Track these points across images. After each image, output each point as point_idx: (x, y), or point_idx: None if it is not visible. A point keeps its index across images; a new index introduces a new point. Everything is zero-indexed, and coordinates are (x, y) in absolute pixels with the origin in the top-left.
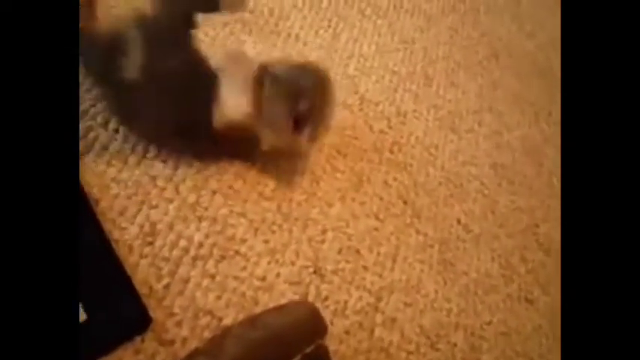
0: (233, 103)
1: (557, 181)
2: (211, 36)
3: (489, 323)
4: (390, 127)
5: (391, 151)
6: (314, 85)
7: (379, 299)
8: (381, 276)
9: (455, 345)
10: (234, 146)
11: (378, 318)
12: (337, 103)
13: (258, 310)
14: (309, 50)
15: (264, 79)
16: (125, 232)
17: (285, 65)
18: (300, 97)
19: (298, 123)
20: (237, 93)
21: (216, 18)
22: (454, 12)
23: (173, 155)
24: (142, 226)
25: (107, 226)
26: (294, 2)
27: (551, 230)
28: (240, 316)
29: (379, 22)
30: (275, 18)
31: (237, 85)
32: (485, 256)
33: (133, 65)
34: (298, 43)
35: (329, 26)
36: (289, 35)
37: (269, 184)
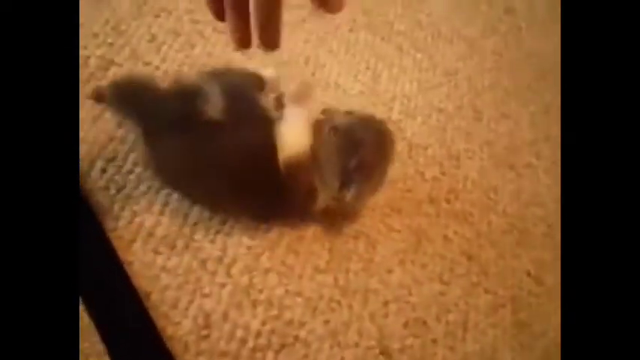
0: (294, 139)
1: None
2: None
3: None
4: (443, 173)
5: (447, 201)
6: (370, 142)
7: None
8: (452, 349)
9: None
10: (294, 198)
11: None
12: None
13: None
14: (348, 97)
15: (323, 125)
16: (179, 328)
17: (347, 116)
18: (353, 153)
19: (346, 179)
20: (299, 130)
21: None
22: (495, 33)
23: (230, 216)
24: (195, 319)
25: (160, 323)
26: (329, 47)
27: None
28: None
29: (419, 55)
30: (311, 67)
31: (300, 123)
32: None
33: (214, 108)
34: (338, 90)
35: (367, 68)
36: (328, 84)
37: (323, 256)
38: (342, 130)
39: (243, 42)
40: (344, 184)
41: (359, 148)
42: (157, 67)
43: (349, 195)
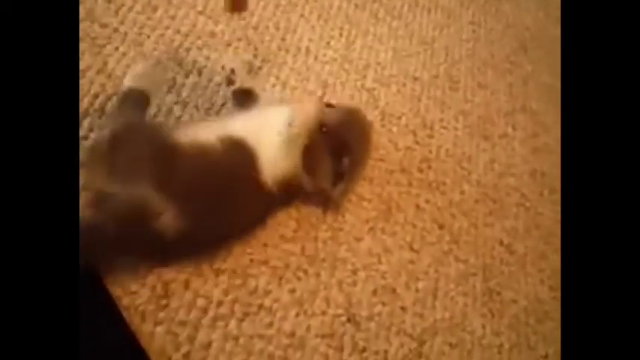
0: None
1: None
2: (213, 59)
3: (546, 357)
4: (416, 143)
5: (420, 170)
6: (359, 142)
7: (422, 343)
8: (421, 316)
9: None
10: (286, 196)
11: None
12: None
13: None
14: (321, 65)
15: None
16: (136, 297)
17: (334, 113)
18: (343, 154)
19: (336, 177)
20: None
21: (218, 39)
22: (474, 3)
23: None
24: (154, 288)
25: (115, 292)
26: (300, 12)
27: None
28: None
29: (394, 23)
30: (282, 32)
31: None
32: (533, 279)
33: None
34: (309, 57)
35: (341, 35)
36: (299, 50)
37: (290, 225)
38: (332, 131)
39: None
40: (334, 183)
41: (349, 150)
42: (116, 30)
43: (340, 189)
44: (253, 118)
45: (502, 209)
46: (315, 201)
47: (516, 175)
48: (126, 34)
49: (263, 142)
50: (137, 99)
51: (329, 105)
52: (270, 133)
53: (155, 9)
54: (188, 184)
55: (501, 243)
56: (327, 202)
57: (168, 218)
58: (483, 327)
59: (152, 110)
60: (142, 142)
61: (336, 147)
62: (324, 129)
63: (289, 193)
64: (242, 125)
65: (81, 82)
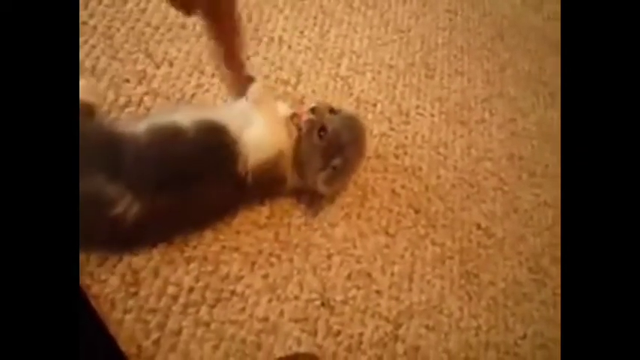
0: (265, 141)
1: None
2: (185, 50)
3: (524, 337)
4: (392, 129)
5: (396, 156)
6: (353, 143)
7: (398, 326)
8: (397, 299)
9: None
10: (262, 189)
11: (399, 348)
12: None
13: (261, 356)
14: (294, 54)
15: (312, 126)
16: (105, 285)
17: (334, 116)
18: (338, 154)
19: (327, 179)
20: (269, 133)
21: (189, 31)
22: None
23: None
24: (123, 276)
25: (84, 281)
26: (273, 3)
27: None
28: None
29: (369, 12)
30: (254, 22)
31: (270, 126)
32: (511, 261)
33: None
34: (282, 47)
35: (314, 25)
36: (272, 39)
37: (263, 211)
38: (330, 133)
39: None
40: (325, 180)
41: (344, 150)
42: (85, 23)
43: (331, 187)
44: (236, 105)
45: (479, 193)
46: (293, 199)
47: (494, 159)
48: (95, 27)
49: (245, 126)
50: (82, 111)
51: (332, 111)
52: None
53: (125, 2)
54: (143, 172)
55: (479, 226)
56: (311, 201)
57: (124, 206)
58: (461, 309)
59: (123, 101)
60: (90, 140)
61: (329, 149)
62: (322, 133)
63: (265, 186)
64: (225, 112)
65: None
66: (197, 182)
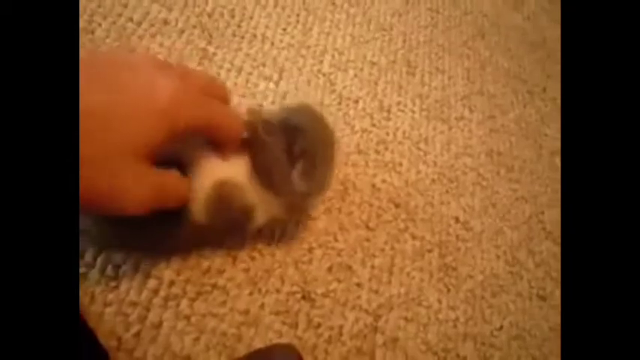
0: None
1: (559, 162)
2: (167, 46)
3: (500, 328)
4: (373, 125)
5: (377, 151)
6: (310, 123)
7: (378, 318)
8: (377, 292)
9: (465, 358)
10: (224, 226)
11: (379, 339)
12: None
13: (241, 348)
14: (277, 50)
15: (253, 127)
16: (85, 279)
17: (274, 109)
18: (299, 140)
19: (302, 175)
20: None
21: (171, 26)
22: None
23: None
24: (103, 270)
25: None
26: (256, 0)
27: (558, 216)
28: (223, 358)
29: (352, 10)
30: (237, 19)
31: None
32: (489, 254)
33: None
34: (265, 43)
35: (297, 22)
36: (254, 36)
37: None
38: (276, 124)
39: None
40: (302, 173)
41: (304, 134)
42: None
43: (307, 184)
44: None
45: (458, 188)
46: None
47: (473, 155)
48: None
49: None
50: None
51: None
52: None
53: None
54: None
55: (457, 220)
56: (295, 210)
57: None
58: (439, 301)
59: None
60: None
61: (286, 140)
62: (268, 127)
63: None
64: None
65: None
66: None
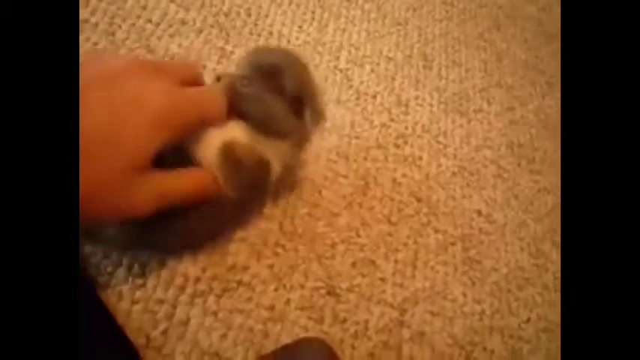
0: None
1: None
2: (185, 46)
3: (527, 321)
4: (392, 120)
5: (396, 146)
6: (281, 57)
7: (403, 312)
8: (402, 286)
9: (492, 352)
10: (246, 190)
11: (405, 333)
12: (328, 96)
13: (268, 344)
14: (293, 47)
15: (232, 87)
16: (112, 277)
17: (242, 64)
18: (276, 76)
19: (295, 105)
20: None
21: (189, 26)
22: None
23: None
24: (130, 268)
25: (91, 272)
26: None
27: None
28: (250, 354)
29: (367, 6)
30: (253, 17)
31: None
32: (513, 247)
33: None
34: (282, 40)
35: (313, 19)
36: (271, 34)
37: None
38: (252, 74)
39: None
40: (296, 110)
41: (277, 73)
42: (86, 21)
43: (311, 116)
44: None
45: (479, 181)
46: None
47: (493, 147)
48: (97, 24)
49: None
50: None
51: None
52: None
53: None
54: None
55: (480, 213)
56: (303, 147)
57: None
58: (464, 295)
59: None
60: None
61: (271, 85)
62: (244, 82)
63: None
64: None
65: None
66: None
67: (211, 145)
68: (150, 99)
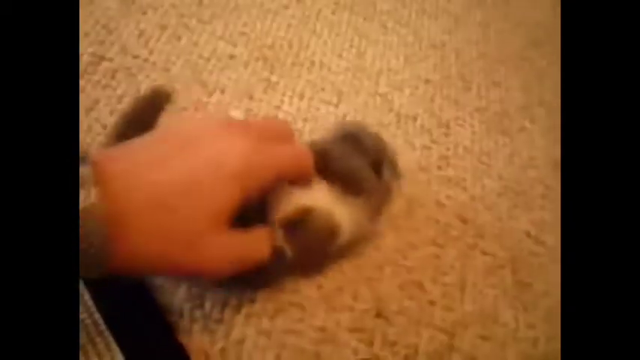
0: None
1: None
2: (234, 79)
3: None
4: (433, 141)
5: (439, 167)
6: (367, 129)
7: (453, 336)
8: (450, 309)
9: None
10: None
11: (455, 358)
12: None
13: None
14: (334, 75)
15: (321, 148)
16: (174, 296)
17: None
18: (358, 141)
19: (375, 166)
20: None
21: (237, 60)
22: (481, 6)
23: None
24: (189, 288)
25: (152, 293)
26: (312, 30)
27: None
28: None
29: (403, 31)
30: (295, 49)
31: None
32: None
33: None
34: (323, 69)
35: (351, 47)
36: (312, 63)
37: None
38: (338, 140)
39: None
40: (377, 173)
41: (359, 139)
42: (146, 60)
43: (394, 177)
44: None
45: (526, 201)
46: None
47: (538, 167)
48: (155, 63)
49: None
50: None
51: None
52: None
53: (179, 38)
54: None
55: (528, 235)
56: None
57: None
58: (516, 320)
59: None
60: None
61: (360, 147)
62: (334, 147)
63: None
64: None
65: (119, 107)
66: None
67: (290, 205)
68: (231, 155)
